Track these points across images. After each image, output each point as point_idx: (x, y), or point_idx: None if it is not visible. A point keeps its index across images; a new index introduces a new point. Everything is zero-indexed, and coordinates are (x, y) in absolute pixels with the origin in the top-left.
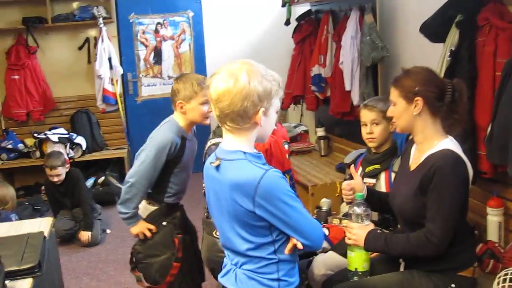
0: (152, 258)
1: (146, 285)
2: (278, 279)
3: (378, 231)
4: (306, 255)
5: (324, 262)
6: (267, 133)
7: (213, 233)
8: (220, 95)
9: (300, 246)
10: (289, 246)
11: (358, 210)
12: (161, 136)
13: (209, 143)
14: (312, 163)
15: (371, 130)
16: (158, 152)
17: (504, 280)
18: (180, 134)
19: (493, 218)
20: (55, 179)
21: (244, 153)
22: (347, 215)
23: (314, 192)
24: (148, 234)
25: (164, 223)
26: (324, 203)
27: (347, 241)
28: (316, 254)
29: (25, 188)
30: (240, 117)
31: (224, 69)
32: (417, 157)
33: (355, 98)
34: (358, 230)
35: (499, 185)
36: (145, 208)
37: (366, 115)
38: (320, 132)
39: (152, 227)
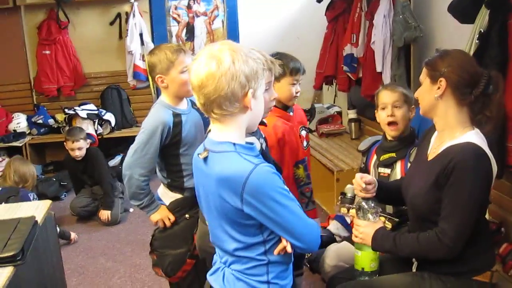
0: (168, 249)
1: (161, 273)
2: (267, 282)
3: (388, 229)
4: (324, 244)
5: (338, 253)
6: (257, 119)
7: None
8: (204, 80)
9: (289, 249)
10: (279, 247)
11: (366, 206)
12: (150, 120)
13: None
14: (342, 147)
15: (393, 113)
16: (148, 137)
17: None
18: (171, 112)
19: None
20: (76, 152)
21: (234, 144)
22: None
23: (340, 178)
24: (168, 223)
25: (187, 216)
26: (349, 189)
27: (354, 239)
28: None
29: (54, 164)
30: (228, 101)
31: (203, 52)
32: (436, 146)
33: (386, 80)
34: (365, 228)
35: None
36: (166, 194)
37: (387, 96)
38: (352, 114)
39: (172, 217)
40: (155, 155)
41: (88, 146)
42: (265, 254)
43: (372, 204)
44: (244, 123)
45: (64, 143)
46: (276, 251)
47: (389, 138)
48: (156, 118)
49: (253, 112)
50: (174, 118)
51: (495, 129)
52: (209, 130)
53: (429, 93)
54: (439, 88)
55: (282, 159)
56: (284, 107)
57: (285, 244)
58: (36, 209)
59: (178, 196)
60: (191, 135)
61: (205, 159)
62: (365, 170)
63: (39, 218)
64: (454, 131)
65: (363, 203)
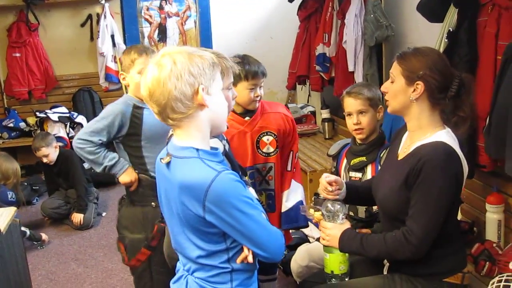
0: (126, 231)
1: (123, 249)
2: None
3: (356, 230)
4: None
5: (309, 253)
6: (221, 118)
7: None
8: (150, 87)
9: (250, 259)
10: (241, 256)
11: (331, 207)
12: (110, 106)
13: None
14: (315, 147)
15: (358, 121)
16: (101, 118)
17: None
18: (131, 103)
19: (493, 215)
20: (44, 160)
21: (197, 150)
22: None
23: (313, 178)
24: (135, 185)
25: (153, 204)
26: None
27: (321, 241)
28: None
29: (26, 168)
30: (179, 102)
31: (150, 63)
32: (407, 146)
33: (359, 80)
34: (332, 230)
35: (500, 180)
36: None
37: (351, 104)
38: (325, 114)
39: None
40: (102, 134)
41: (56, 149)
42: (229, 261)
43: (339, 206)
44: (204, 124)
45: None
46: (238, 260)
47: (358, 141)
48: (114, 106)
49: (212, 110)
50: (133, 109)
51: (469, 128)
52: (171, 135)
53: (403, 94)
54: (414, 90)
55: None
56: (244, 111)
57: (247, 254)
58: (0, 216)
59: None
60: (153, 130)
61: (168, 164)
62: (336, 174)
63: (3, 226)
64: (425, 131)
65: (329, 205)
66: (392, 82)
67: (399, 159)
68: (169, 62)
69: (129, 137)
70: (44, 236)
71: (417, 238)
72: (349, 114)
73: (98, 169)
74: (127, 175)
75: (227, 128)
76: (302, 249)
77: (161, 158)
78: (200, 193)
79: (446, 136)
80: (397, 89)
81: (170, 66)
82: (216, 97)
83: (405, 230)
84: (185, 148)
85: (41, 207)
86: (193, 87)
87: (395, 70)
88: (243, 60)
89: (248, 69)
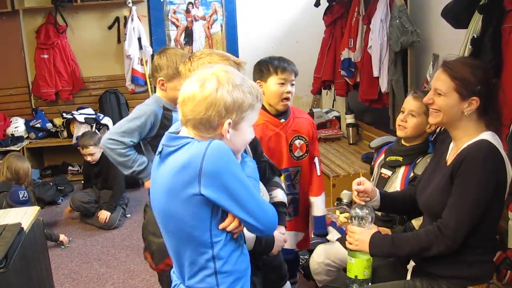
0: (152, 236)
1: (150, 259)
2: None
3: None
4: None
5: (326, 251)
6: (237, 150)
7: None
8: (186, 99)
9: (230, 227)
10: (225, 223)
11: (360, 212)
12: (141, 106)
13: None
14: (339, 152)
15: (405, 119)
16: (133, 118)
17: None
18: (161, 105)
19: None
20: (88, 158)
21: (192, 138)
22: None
23: (336, 183)
24: None
25: None
26: (345, 195)
27: (349, 246)
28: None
29: (52, 168)
30: (202, 125)
31: (198, 72)
32: (454, 152)
33: (383, 85)
34: (361, 235)
35: None
36: None
37: (408, 103)
38: (349, 119)
39: None
40: (134, 135)
41: (101, 150)
42: (214, 260)
43: (367, 211)
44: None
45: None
46: (221, 226)
47: (402, 142)
48: (145, 106)
49: (230, 142)
50: (164, 110)
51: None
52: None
53: (457, 108)
54: (469, 105)
55: None
56: (277, 112)
57: (231, 222)
58: (24, 215)
59: None
60: None
61: (160, 153)
62: (372, 167)
63: (26, 225)
64: (471, 137)
65: (357, 210)
66: (439, 94)
67: (447, 164)
68: (212, 85)
69: (159, 138)
70: (62, 237)
71: (451, 229)
72: (403, 111)
73: (126, 172)
74: None
75: (264, 128)
76: (320, 248)
77: (159, 152)
78: (196, 167)
79: (491, 136)
80: (449, 104)
81: (209, 91)
82: (241, 132)
83: (439, 222)
84: (181, 138)
85: (71, 198)
86: (221, 119)
87: (445, 84)
88: (275, 57)
89: (277, 64)
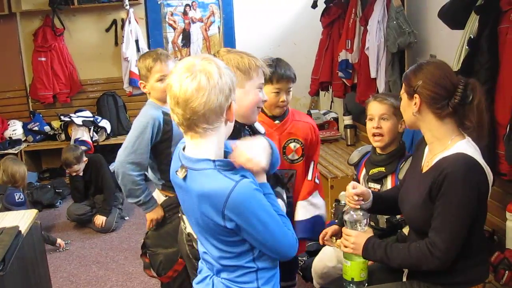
0: (160, 248)
1: (152, 273)
2: None
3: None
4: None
5: (337, 254)
6: (231, 129)
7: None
8: (193, 94)
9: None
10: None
11: (354, 215)
12: (140, 117)
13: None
14: (337, 153)
15: (379, 125)
16: (139, 133)
17: None
18: (160, 110)
19: None
20: (73, 174)
21: (213, 161)
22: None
23: (334, 185)
24: (152, 225)
25: (179, 214)
26: (343, 196)
27: (344, 249)
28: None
29: (50, 171)
30: (215, 114)
31: (183, 67)
32: (429, 159)
33: (381, 86)
34: (356, 238)
35: None
36: (159, 200)
37: (375, 108)
38: (347, 120)
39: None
40: (146, 150)
41: (85, 162)
42: (254, 261)
43: (361, 214)
44: (223, 136)
45: None
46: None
47: (378, 151)
48: (146, 115)
49: (230, 125)
50: (164, 116)
51: (482, 137)
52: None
53: (408, 109)
54: (415, 104)
55: None
56: (273, 116)
57: None
58: (22, 218)
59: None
60: (180, 136)
61: (184, 177)
62: (357, 182)
63: (24, 228)
64: (443, 142)
65: (352, 213)
66: (401, 99)
67: (423, 172)
68: (216, 73)
69: (161, 144)
70: (59, 240)
71: (441, 251)
72: (371, 119)
73: (132, 200)
74: (154, 213)
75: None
76: (328, 250)
77: (176, 171)
78: (219, 203)
79: (466, 146)
80: (403, 105)
81: (217, 78)
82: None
83: (428, 243)
84: (201, 161)
85: (67, 212)
86: (227, 101)
87: (402, 88)
88: (275, 63)
89: (274, 72)
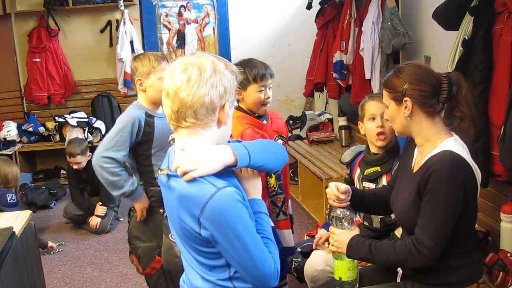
0: (138, 241)
1: (136, 261)
2: None
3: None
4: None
5: (325, 257)
6: (227, 137)
7: (169, 236)
8: (182, 84)
9: None
10: None
11: (340, 213)
12: (122, 116)
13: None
14: (332, 154)
15: (382, 124)
16: (118, 130)
17: None
18: (144, 111)
19: (507, 225)
20: (75, 166)
21: None
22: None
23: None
24: (144, 214)
25: (161, 211)
26: None
27: (330, 247)
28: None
29: (45, 172)
30: (205, 109)
31: (180, 61)
32: (419, 160)
33: (376, 88)
34: (340, 236)
35: None
36: None
37: (375, 107)
38: (342, 121)
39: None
40: (124, 147)
41: (88, 157)
42: (230, 280)
43: (347, 213)
44: (214, 139)
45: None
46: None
47: (372, 151)
48: (128, 114)
49: (226, 128)
50: (146, 117)
51: (474, 128)
52: (172, 139)
53: (398, 115)
54: (406, 108)
55: None
56: (257, 115)
57: None
58: (16, 219)
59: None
60: (163, 138)
61: (168, 175)
62: (349, 182)
63: (18, 229)
64: (433, 143)
65: (338, 212)
66: (387, 108)
67: (413, 172)
68: (210, 68)
69: (142, 145)
70: (50, 243)
71: (427, 248)
72: (373, 118)
73: (116, 193)
74: (142, 202)
75: (253, 132)
76: (317, 253)
77: (159, 169)
78: (196, 208)
79: (453, 144)
80: (392, 112)
81: (210, 73)
82: (230, 117)
83: (414, 239)
84: None
85: (64, 210)
86: (221, 101)
87: (385, 96)
88: (249, 63)
89: (256, 72)
